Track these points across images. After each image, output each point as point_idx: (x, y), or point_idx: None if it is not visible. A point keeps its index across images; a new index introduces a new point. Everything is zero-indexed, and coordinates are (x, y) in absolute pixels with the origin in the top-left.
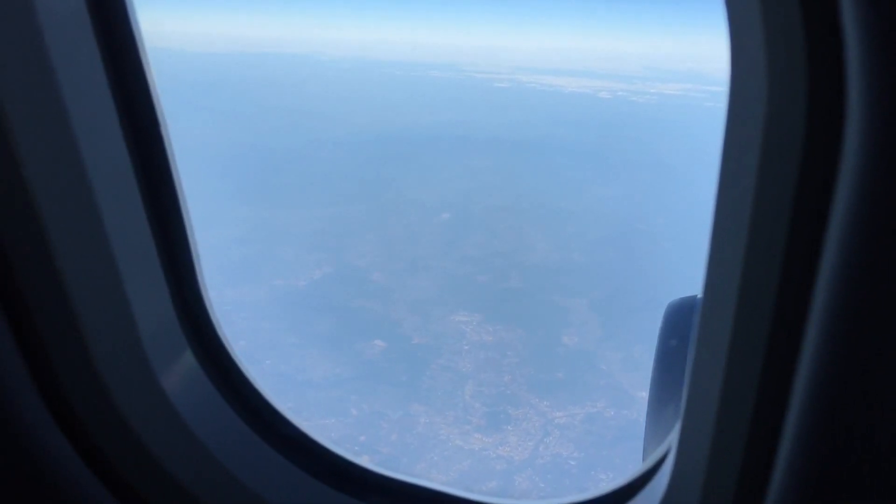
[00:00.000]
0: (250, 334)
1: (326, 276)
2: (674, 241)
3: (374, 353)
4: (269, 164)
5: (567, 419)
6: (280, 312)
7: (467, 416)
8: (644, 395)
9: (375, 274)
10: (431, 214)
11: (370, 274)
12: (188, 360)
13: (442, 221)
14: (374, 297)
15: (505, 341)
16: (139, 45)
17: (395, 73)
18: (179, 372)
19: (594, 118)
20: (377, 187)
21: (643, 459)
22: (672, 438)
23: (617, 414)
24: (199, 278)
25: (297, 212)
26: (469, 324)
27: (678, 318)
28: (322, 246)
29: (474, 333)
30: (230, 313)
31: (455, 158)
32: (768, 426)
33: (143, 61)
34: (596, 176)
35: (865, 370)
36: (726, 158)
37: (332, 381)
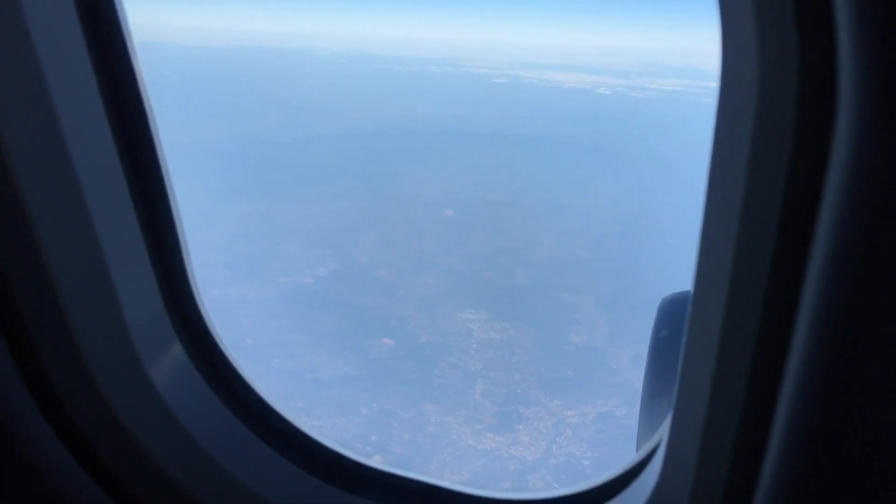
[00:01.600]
0: (257, 332)
1: (332, 274)
2: (678, 238)
3: (382, 351)
4: (268, 160)
5: (579, 418)
6: (286, 310)
7: (478, 415)
8: None
9: (381, 271)
10: (434, 210)
11: (375, 271)
12: (177, 351)
13: (445, 218)
14: (380, 295)
15: (513, 339)
16: (126, 36)
17: (392, 68)
18: (168, 363)
19: (594, 114)
20: (378, 183)
21: (636, 451)
22: (664, 430)
23: (628, 413)
24: (188, 270)
25: (299, 208)
26: (476, 321)
27: (672, 313)
28: (326, 242)
29: (482, 331)
30: (235, 311)
31: (455, 154)
32: (758, 419)
33: (130, 51)
34: (597, 172)
35: (854, 362)
36: (716, 153)
37: (340, 379)
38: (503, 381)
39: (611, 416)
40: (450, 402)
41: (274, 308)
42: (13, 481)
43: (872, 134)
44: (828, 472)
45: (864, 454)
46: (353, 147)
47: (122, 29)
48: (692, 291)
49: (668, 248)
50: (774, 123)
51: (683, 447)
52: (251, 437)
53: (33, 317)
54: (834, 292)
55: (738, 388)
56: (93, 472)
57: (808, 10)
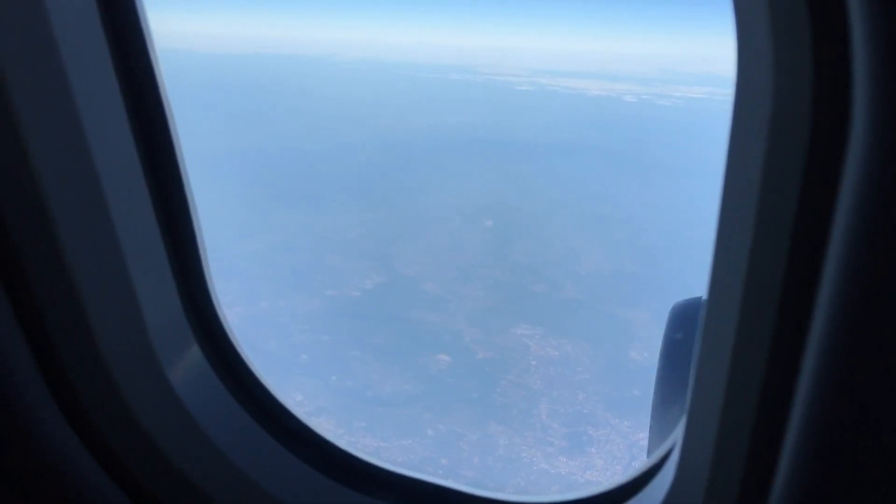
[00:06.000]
0: (310, 348)
1: (379, 286)
2: None
3: (441, 368)
4: (298, 168)
5: None
6: (337, 324)
7: (547, 437)
8: None
9: (428, 284)
10: (474, 221)
11: (422, 284)
12: (195, 354)
13: (486, 228)
14: (430, 309)
15: (572, 356)
16: (148, 42)
17: (414, 76)
18: (186, 366)
19: (622, 122)
20: (412, 192)
21: (648, 455)
22: (677, 435)
23: None
24: (206, 273)
25: (336, 218)
26: (532, 337)
27: (683, 319)
28: (368, 254)
29: (539, 348)
30: (287, 325)
31: (487, 163)
32: (772, 424)
33: (152, 55)
34: (634, 181)
35: (868, 368)
36: (731, 159)
37: (402, 397)
38: (568, 401)
39: None
40: (516, 423)
41: (325, 322)
42: (34, 480)
43: (887, 140)
44: (842, 477)
45: (878, 459)
46: (382, 156)
47: (145, 36)
48: (706, 296)
49: None
50: (789, 130)
51: (697, 451)
52: (267, 439)
53: (55, 319)
54: (847, 298)
55: (751, 392)
56: (112, 471)
57: (823, 16)
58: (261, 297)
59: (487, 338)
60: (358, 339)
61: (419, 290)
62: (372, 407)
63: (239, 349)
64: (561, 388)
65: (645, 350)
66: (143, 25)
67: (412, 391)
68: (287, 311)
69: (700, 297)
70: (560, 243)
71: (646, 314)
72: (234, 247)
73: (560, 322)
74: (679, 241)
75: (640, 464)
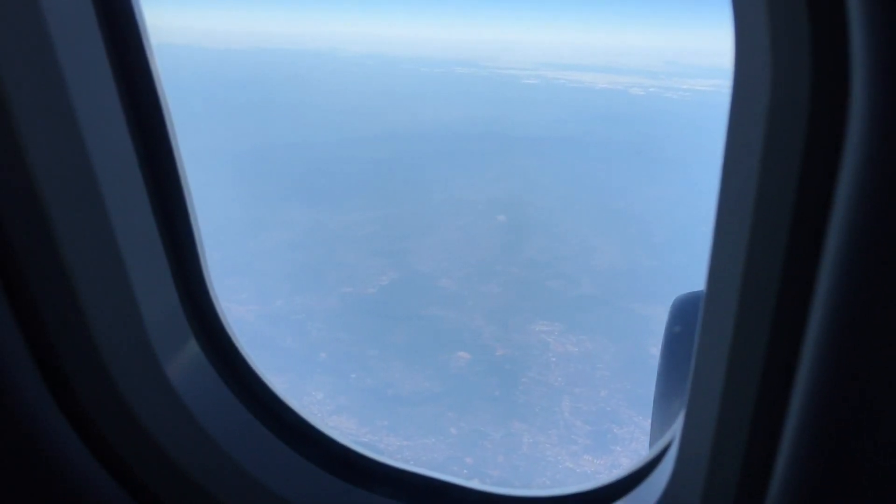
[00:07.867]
0: (330, 345)
1: (394, 283)
2: None
3: (460, 365)
4: (307, 164)
5: None
6: (354, 322)
7: (571, 435)
8: None
9: (443, 280)
10: (486, 216)
11: (438, 280)
12: (192, 349)
13: (499, 224)
14: (447, 305)
15: (592, 353)
16: (144, 37)
17: (419, 70)
18: (184, 361)
19: (631, 115)
20: (423, 187)
21: (649, 448)
22: (676, 428)
23: None
24: (204, 268)
25: (348, 213)
26: (551, 334)
27: (684, 312)
28: (381, 250)
29: (558, 344)
30: (303, 322)
31: (497, 157)
32: (771, 417)
33: (147, 51)
34: (646, 175)
35: (866, 362)
36: (729, 153)
37: (423, 396)
38: (590, 398)
39: None
40: (539, 421)
41: (341, 320)
42: (32, 476)
43: (885, 133)
44: (839, 470)
45: (876, 452)
46: (390, 150)
47: (140, 31)
48: (705, 290)
49: None
50: (787, 123)
51: (696, 444)
52: (266, 434)
53: (52, 314)
54: (846, 292)
55: (750, 386)
56: (110, 467)
57: (821, 9)
58: (276, 296)
59: (506, 334)
60: (376, 336)
61: (435, 287)
62: (393, 405)
63: (237, 344)
64: (582, 386)
65: None
66: (139, 20)
67: (433, 389)
68: (303, 309)
69: (701, 291)
70: (574, 238)
71: (664, 310)
72: (248, 245)
73: (578, 318)
74: (693, 236)
75: (640, 457)
